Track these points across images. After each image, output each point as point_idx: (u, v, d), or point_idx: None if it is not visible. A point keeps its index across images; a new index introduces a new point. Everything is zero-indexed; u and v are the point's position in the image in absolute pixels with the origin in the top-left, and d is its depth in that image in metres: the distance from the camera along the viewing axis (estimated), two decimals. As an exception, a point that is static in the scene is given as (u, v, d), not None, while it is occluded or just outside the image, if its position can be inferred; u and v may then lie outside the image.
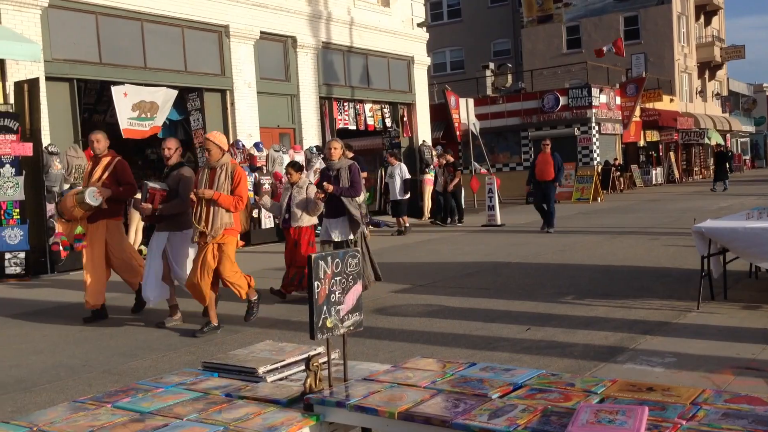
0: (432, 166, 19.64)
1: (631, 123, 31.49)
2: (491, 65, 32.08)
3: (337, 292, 2.51)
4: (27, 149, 11.15)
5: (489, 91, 30.70)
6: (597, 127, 28.72)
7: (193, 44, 15.09)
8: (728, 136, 48.25)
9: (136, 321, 7.41)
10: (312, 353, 2.62)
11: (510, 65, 34.26)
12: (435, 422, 2.09)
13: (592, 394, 2.25)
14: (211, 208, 6.54)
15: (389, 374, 2.58)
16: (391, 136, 21.08)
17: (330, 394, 2.38)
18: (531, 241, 13.09)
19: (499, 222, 16.68)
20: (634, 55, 36.68)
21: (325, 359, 2.57)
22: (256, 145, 15.50)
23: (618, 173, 30.10)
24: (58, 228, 10.18)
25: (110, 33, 13.57)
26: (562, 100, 28.56)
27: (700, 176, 40.32)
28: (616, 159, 30.58)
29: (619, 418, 1.95)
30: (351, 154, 11.65)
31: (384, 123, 20.48)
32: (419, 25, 21.61)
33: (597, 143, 28.68)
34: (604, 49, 30.16)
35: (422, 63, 21.70)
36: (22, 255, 10.98)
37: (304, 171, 9.09)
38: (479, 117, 24.91)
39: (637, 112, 32.31)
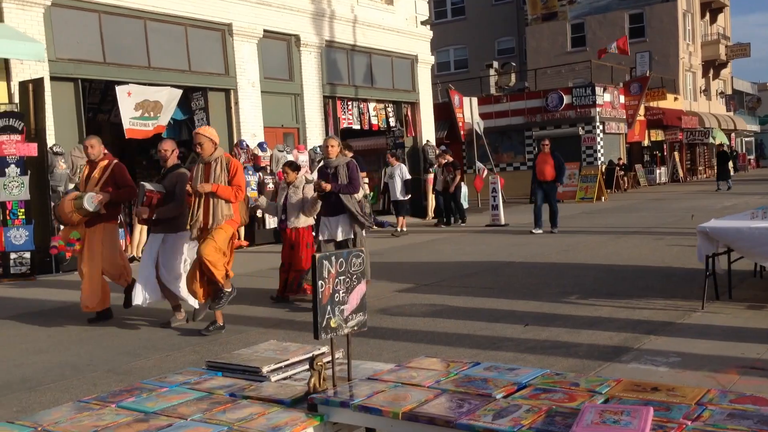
0: (435, 166, 19.62)
1: (636, 122, 31.44)
2: (495, 64, 32.06)
3: (341, 292, 2.51)
4: (32, 149, 11.17)
5: (493, 90, 30.67)
6: (601, 126, 28.68)
7: (196, 43, 15.10)
8: (733, 135, 48.15)
9: (140, 320, 7.41)
10: (316, 353, 2.62)
11: (514, 64, 34.24)
12: (439, 422, 2.09)
13: (597, 394, 2.24)
14: (211, 202, 6.50)
15: (393, 374, 2.58)
16: (394, 136, 21.07)
17: (334, 393, 2.38)
18: (535, 241, 13.08)
19: (503, 222, 16.66)
20: (639, 53, 36.59)
21: (329, 359, 2.57)
22: (260, 144, 15.50)
23: (622, 172, 30.05)
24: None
25: (114, 32, 13.58)
26: (566, 99, 28.52)
27: (705, 175, 40.23)
28: (620, 158, 30.54)
29: (623, 418, 1.95)
30: (350, 154, 11.64)
31: (388, 122, 20.47)
32: (423, 23, 21.59)
33: (601, 142, 28.64)
34: (608, 48, 30.11)
35: (426, 62, 21.69)
36: (28, 255, 11.00)
37: (302, 170, 9.06)
38: (483, 116, 24.89)
39: (642, 111, 32.25)
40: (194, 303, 6.98)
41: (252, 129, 16.03)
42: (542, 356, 5.37)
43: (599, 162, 27.93)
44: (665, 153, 36.64)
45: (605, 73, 32.02)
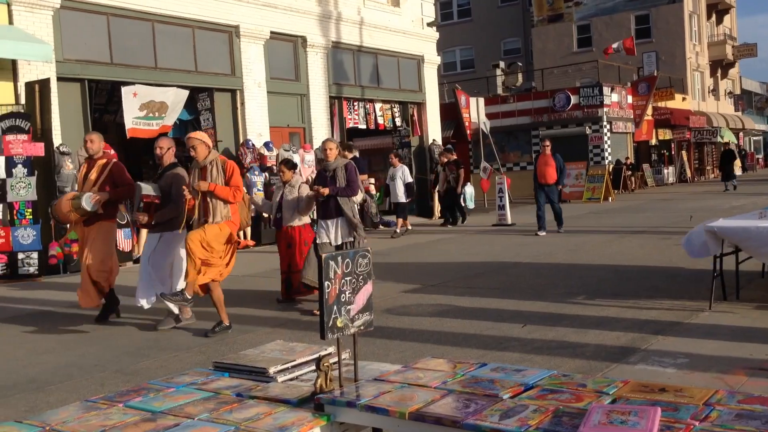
0: (438, 165, 19.60)
1: (643, 122, 31.36)
2: (501, 64, 32.01)
3: (347, 292, 2.51)
4: (39, 149, 11.22)
5: (499, 90, 30.64)
6: (608, 126, 28.61)
7: (203, 44, 15.14)
8: (741, 134, 47.99)
9: (147, 321, 7.42)
10: (322, 353, 2.62)
11: (520, 64, 34.18)
12: (446, 422, 2.08)
13: (604, 395, 2.23)
14: (210, 203, 6.47)
15: (400, 374, 2.58)
16: (401, 136, 21.07)
17: (340, 394, 2.38)
18: (541, 241, 13.06)
19: (509, 221, 16.64)
20: (646, 53, 36.53)
21: (336, 359, 2.57)
22: (266, 144, 15.53)
23: (629, 172, 29.98)
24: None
25: (121, 33, 13.63)
26: (573, 99, 28.47)
27: (713, 175, 40.10)
28: (627, 158, 30.46)
29: (631, 418, 1.94)
30: (352, 155, 11.60)
31: (394, 122, 20.47)
32: (429, 24, 21.59)
33: (608, 142, 28.57)
34: (613, 46, 30.03)
35: (432, 62, 21.68)
36: (35, 255, 11.04)
37: (309, 170, 9.03)
38: (489, 116, 24.85)
39: (649, 111, 32.17)
40: (174, 308, 6.94)
41: (258, 129, 16.05)
42: (549, 357, 5.36)
43: (606, 162, 27.86)
44: (673, 153, 36.52)
45: (612, 73, 31.95)
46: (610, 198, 24.43)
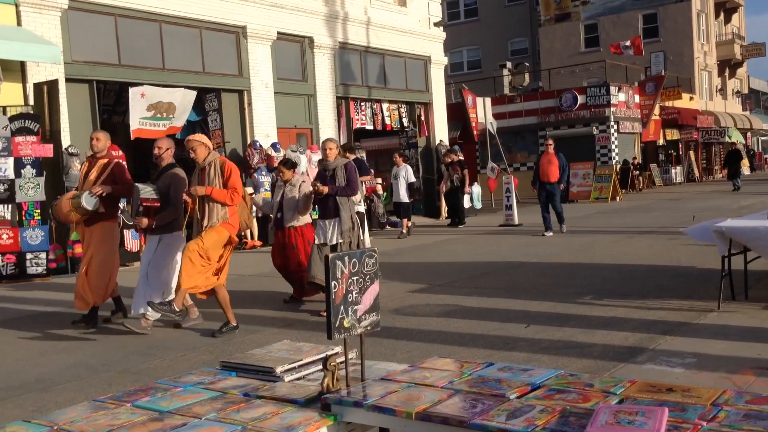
0: (442, 165, 19.54)
1: (651, 121, 31.26)
2: (508, 64, 31.97)
3: (354, 292, 2.51)
4: (47, 150, 11.26)
5: (506, 90, 30.59)
6: (615, 126, 28.53)
7: (210, 45, 15.17)
8: (749, 134, 47.79)
9: (154, 321, 7.43)
10: (329, 353, 2.62)
11: (527, 64, 34.13)
12: (452, 422, 2.08)
13: (611, 395, 2.23)
14: (206, 206, 6.44)
15: (406, 374, 2.58)
16: (408, 136, 21.08)
17: (347, 393, 2.38)
18: (548, 241, 13.04)
19: (516, 222, 16.61)
20: (653, 53, 36.39)
21: (343, 359, 2.57)
22: (273, 145, 15.55)
23: (637, 172, 29.89)
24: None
25: (129, 34, 13.68)
26: (580, 99, 28.40)
27: (721, 175, 39.94)
28: (635, 158, 30.38)
29: (638, 419, 1.94)
30: (354, 156, 11.56)
31: (401, 123, 20.48)
32: (436, 24, 21.58)
33: (616, 142, 28.50)
34: (621, 44, 29.94)
35: (439, 62, 21.67)
36: (43, 255, 11.08)
37: (305, 169, 8.96)
38: (496, 116, 24.85)
39: (657, 111, 32.07)
40: (151, 314, 6.81)
41: (265, 129, 16.08)
42: (556, 357, 5.35)
43: (614, 162, 27.79)
44: (681, 152, 36.40)
45: (619, 72, 31.87)
46: (618, 198, 24.36)
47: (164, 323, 7.32)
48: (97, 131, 7.54)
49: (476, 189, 22.20)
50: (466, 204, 20.81)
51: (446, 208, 19.02)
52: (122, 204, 8.46)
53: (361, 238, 7.95)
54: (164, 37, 14.29)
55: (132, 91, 13.23)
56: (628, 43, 30.21)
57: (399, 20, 20.09)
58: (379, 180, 18.01)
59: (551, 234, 13.84)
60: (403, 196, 15.83)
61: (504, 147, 24.69)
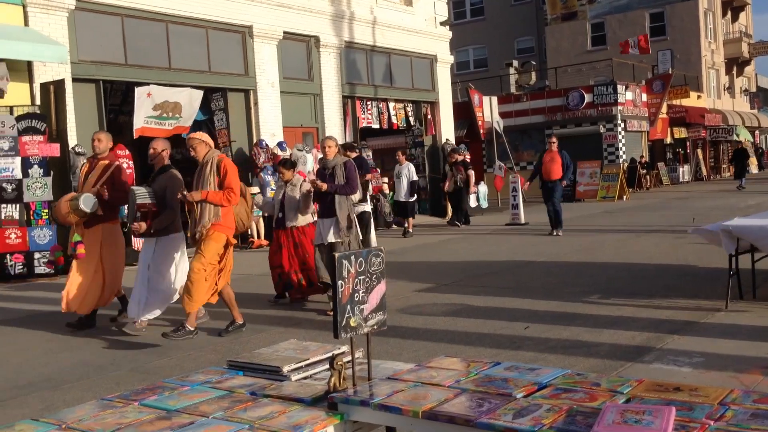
0: (446, 165, 19.48)
1: (658, 120, 31.17)
2: (515, 63, 31.93)
3: (360, 291, 2.51)
4: (54, 150, 11.30)
5: (513, 89, 30.56)
6: (623, 125, 28.46)
7: (217, 45, 15.20)
8: (757, 132, 47.60)
9: (162, 320, 7.45)
10: (336, 352, 2.63)
11: (534, 63, 34.09)
12: (459, 421, 2.08)
13: (618, 394, 2.23)
14: (199, 207, 6.35)
15: (413, 373, 2.58)
16: (414, 135, 21.07)
17: (354, 392, 2.38)
18: (555, 240, 13.01)
19: (522, 221, 16.58)
20: (660, 51, 36.28)
21: (349, 358, 2.57)
22: (279, 144, 15.56)
23: (644, 171, 29.81)
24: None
25: (135, 34, 13.72)
26: (587, 98, 28.34)
27: (728, 173, 39.80)
28: (642, 156, 30.30)
29: (645, 418, 1.93)
30: (354, 154, 11.51)
31: (408, 121, 20.48)
32: (442, 23, 21.57)
33: (623, 141, 28.43)
34: (630, 42, 29.85)
35: (445, 61, 21.66)
36: (59, 254, 11.10)
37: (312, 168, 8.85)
38: (503, 115, 24.80)
39: (664, 109, 31.97)
40: (133, 314, 6.77)
41: (271, 129, 16.10)
42: (563, 356, 5.34)
43: (621, 160, 27.72)
44: (688, 151, 36.29)
45: (626, 71, 31.78)
46: (625, 197, 24.29)
47: (171, 323, 7.34)
48: (99, 132, 7.48)
49: (482, 188, 22.19)
50: (473, 203, 20.80)
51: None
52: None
53: (360, 237, 7.86)
54: (171, 37, 14.32)
55: (138, 90, 13.25)
56: (634, 41, 30.10)
57: (405, 19, 20.08)
58: (386, 179, 18.00)
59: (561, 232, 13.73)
60: (405, 195, 15.76)
61: (510, 146, 24.65)
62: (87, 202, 6.87)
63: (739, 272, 6.89)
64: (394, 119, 19.91)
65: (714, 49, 41.17)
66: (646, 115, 30.62)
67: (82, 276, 7.09)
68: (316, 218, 7.94)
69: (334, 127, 17.69)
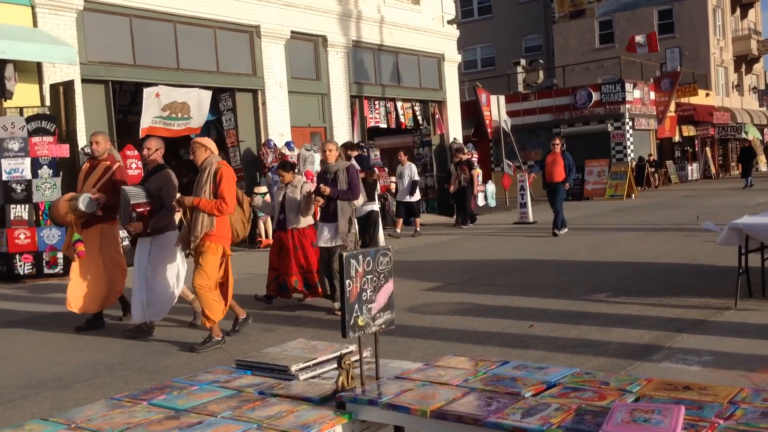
0: (451, 165, 19.43)
1: (666, 118, 31.06)
2: (522, 61, 31.88)
3: (368, 291, 2.51)
4: (64, 151, 11.35)
5: (520, 88, 30.51)
6: (631, 123, 28.38)
7: (224, 45, 15.23)
8: (766, 130, 47.33)
9: (170, 320, 7.48)
10: (344, 351, 2.63)
11: (542, 61, 34.03)
12: (467, 420, 2.08)
13: (627, 393, 2.22)
14: (193, 213, 6.22)
15: (421, 372, 2.58)
16: (422, 134, 21.07)
17: (362, 392, 2.38)
18: (563, 239, 12.98)
19: (531, 219, 16.55)
20: (669, 49, 36.17)
21: (357, 357, 2.57)
22: (287, 144, 15.58)
23: (652, 169, 29.71)
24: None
25: (144, 35, 13.76)
26: (595, 96, 28.27)
27: (737, 171, 39.61)
28: (650, 155, 30.19)
29: (654, 417, 1.92)
30: (356, 153, 11.48)
31: (415, 121, 20.47)
32: (450, 22, 21.55)
33: (631, 139, 28.34)
34: (638, 39, 29.72)
35: (453, 60, 21.64)
36: (60, 255, 11.15)
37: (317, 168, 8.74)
38: (510, 114, 24.77)
39: (672, 107, 31.86)
40: (137, 317, 6.78)
41: (279, 129, 16.12)
42: (572, 355, 5.33)
43: (629, 159, 27.63)
44: (697, 149, 36.14)
45: (635, 69, 31.68)
46: (633, 195, 24.21)
47: (179, 323, 7.37)
48: (97, 134, 7.36)
49: (490, 187, 22.17)
50: (480, 202, 20.77)
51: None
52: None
53: (359, 240, 7.77)
54: (179, 37, 14.36)
55: (146, 91, 13.29)
56: (641, 39, 29.97)
57: (412, 18, 20.07)
58: (393, 179, 17.99)
59: (565, 231, 13.68)
60: (407, 196, 15.66)
61: (518, 145, 24.60)
62: (86, 203, 6.83)
63: (748, 270, 6.86)
64: (401, 119, 19.91)
65: (723, 47, 40.97)
66: (655, 113, 30.51)
67: (82, 276, 7.06)
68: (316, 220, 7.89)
69: (341, 126, 17.71)
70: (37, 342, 6.92)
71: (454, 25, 21.85)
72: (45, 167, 11.20)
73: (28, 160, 11.11)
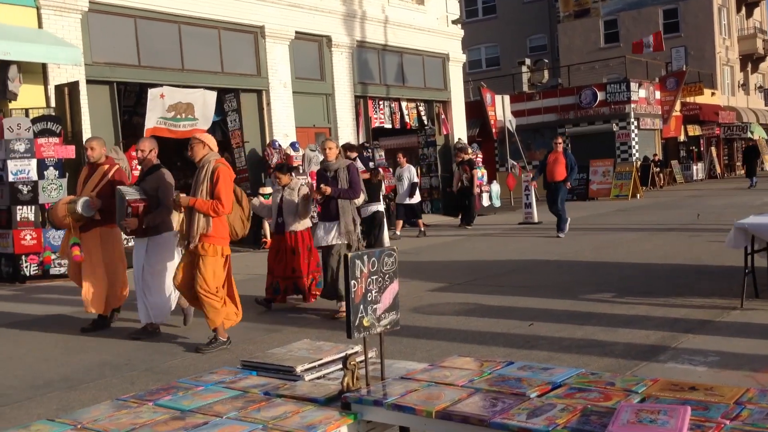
0: (454, 165, 19.41)
1: (671, 118, 30.99)
2: (527, 61, 31.84)
3: (373, 291, 2.52)
4: (69, 152, 11.37)
5: (525, 88, 30.47)
6: (636, 123, 28.32)
7: (229, 45, 15.24)
8: (772, 129, 47.22)
9: (176, 321, 7.49)
10: (349, 352, 2.63)
11: (546, 61, 33.98)
12: (473, 421, 2.08)
13: (633, 394, 2.22)
14: (189, 214, 6.15)
15: (426, 373, 2.58)
16: (426, 134, 21.06)
17: (367, 392, 2.38)
18: (569, 239, 12.96)
19: (536, 220, 16.52)
20: (674, 48, 36.09)
21: (362, 358, 2.57)
22: (292, 144, 15.60)
23: (658, 169, 29.64)
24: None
25: (149, 36, 13.78)
26: (600, 96, 28.22)
27: (742, 171, 39.50)
28: (655, 154, 30.12)
29: (660, 417, 1.92)
30: (355, 154, 11.44)
31: (420, 121, 20.46)
32: (454, 22, 21.54)
33: (636, 139, 28.28)
34: (644, 41, 29.69)
35: (457, 60, 21.62)
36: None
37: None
38: (515, 113, 24.74)
39: (678, 107, 31.78)
40: (143, 318, 6.77)
41: (284, 129, 16.13)
42: (577, 355, 5.33)
43: (634, 158, 27.57)
44: (702, 149, 36.04)
45: (640, 68, 31.60)
46: (639, 195, 24.16)
47: (184, 324, 7.37)
48: (91, 139, 7.31)
49: (495, 187, 22.15)
50: (485, 202, 20.76)
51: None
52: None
53: (362, 239, 7.71)
54: (183, 38, 14.38)
55: (151, 92, 13.31)
56: (647, 40, 29.94)
57: (417, 18, 20.07)
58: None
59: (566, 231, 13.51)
60: (407, 198, 15.56)
61: (523, 144, 24.59)
62: (84, 207, 6.80)
63: (754, 270, 6.84)
64: (406, 119, 19.91)
65: (728, 46, 40.86)
66: (660, 112, 30.43)
67: (84, 278, 7.05)
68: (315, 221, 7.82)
69: (346, 127, 17.71)
70: (43, 343, 6.94)
71: (459, 25, 21.84)
72: (51, 168, 11.22)
73: (34, 162, 11.13)
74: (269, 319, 7.27)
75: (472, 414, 2.10)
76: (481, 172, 20.43)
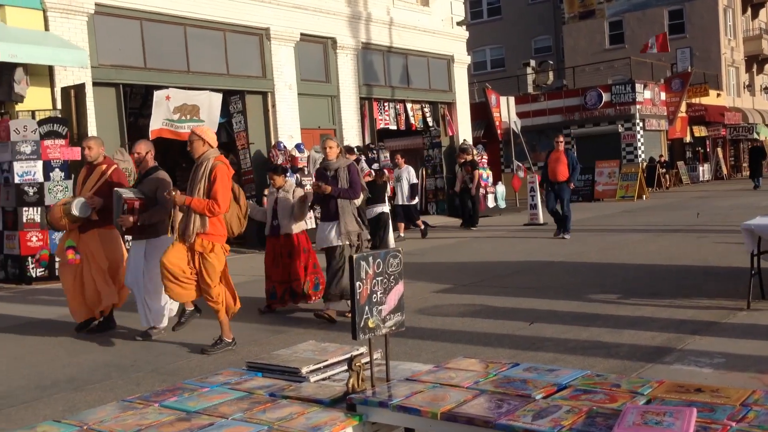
0: (456, 165, 19.36)
1: (677, 119, 30.93)
2: (532, 62, 31.81)
3: (378, 293, 2.51)
4: (75, 153, 11.40)
5: (530, 89, 30.45)
6: (641, 124, 28.27)
7: (234, 47, 15.28)
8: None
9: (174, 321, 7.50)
10: (354, 353, 2.63)
11: (551, 62, 33.95)
12: (478, 423, 2.08)
13: (639, 395, 2.21)
14: (185, 212, 6.11)
15: (432, 374, 2.58)
16: (431, 136, 21.07)
17: (373, 394, 2.38)
18: (574, 240, 12.94)
19: (541, 221, 16.51)
20: (680, 49, 35.99)
21: (368, 359, 2.57)
22: (297, 146, 15.62)
23: (663, 170, 29.58)
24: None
25: (154, 38, 13.82)
26: (605, 97, 28.18)
27: (748, 172, 39.38)
28: (661, 156, 30.06)
29: (666, 419, 1.92)
30: (354, 157, 11.43)
31: (425, 122, 20.47)
32: (459, 23, 21.54)
33: (642, 140, 28.23)
34: (650, 43, 29.66)
35: (462, 61, 21.62)
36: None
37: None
38: (520, 115, 24.72)
39: (683, 108, 31.72)
40: (144, 323, 6.77)
41: (289, 131, 16.15)
42: (583, 357, 5.32)
43: (640, 160, 27.52)
44: (708, 150, 35.96)
45: (645, 70, 31.55)
46: (644, 196, 24.12)
47: (191, 324, 7.37)
48: (89, 139, 7.29)
49: (500, 188, 22.12)
50: (491, 203, 20.74)
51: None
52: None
53: (369, 237, 7.67)
54: (189, 40, 14.41)
55: (157, 94, 13.34)
56: (652, 42, 29.89)
57: (422, 20, 20.08)
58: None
59: (568, 237, 13.41)
60: (407, 198, 15.50)
61: (528, 146, 24.54)
62: (79, 208, 6.76)
63: (761, 271, 6.82)
64: (411, 120, 19.91)
65: (734, 47, 40.76)
66: (665, 113, 30.38)
67: (65, 290, 7.01)
68: (313, 223, 7.75)
69: (351, 128, 17.73)
70: (49, 344, 6.96)
71: (464, 27, 21.84)
72: (57, 170, 11.26)
73: (40, 163, 11.17)
74: (274, 321, 7.28)
75: (477, 415, 2.10)
76: (486, 174, 20.43)
